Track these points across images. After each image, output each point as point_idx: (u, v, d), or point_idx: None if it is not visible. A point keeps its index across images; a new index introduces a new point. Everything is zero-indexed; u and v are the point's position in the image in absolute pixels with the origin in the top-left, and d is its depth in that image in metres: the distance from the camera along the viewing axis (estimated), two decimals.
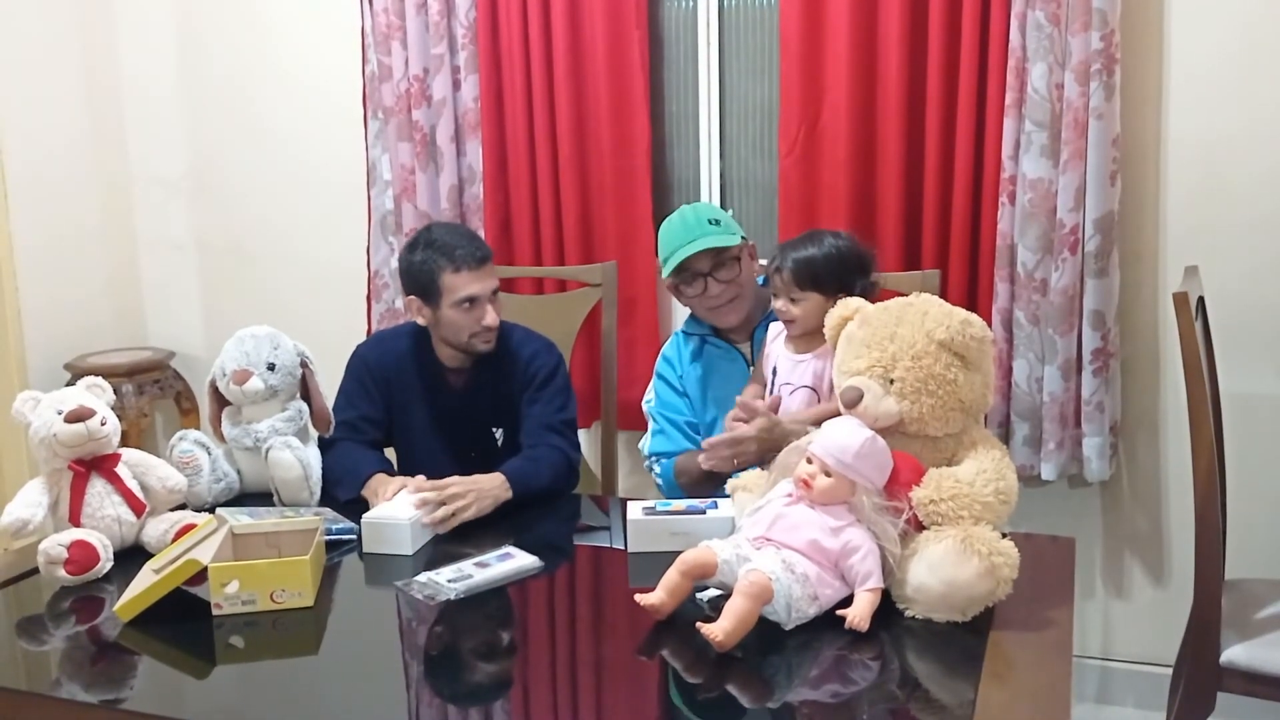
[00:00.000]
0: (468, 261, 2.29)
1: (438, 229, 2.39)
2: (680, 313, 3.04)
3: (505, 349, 2.40)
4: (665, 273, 2.34)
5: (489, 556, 1.89)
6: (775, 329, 2.25)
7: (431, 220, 3.02)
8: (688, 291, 2.34)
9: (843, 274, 2.13)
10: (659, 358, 2.48)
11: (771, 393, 2.20)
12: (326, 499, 2.26)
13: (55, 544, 1.88)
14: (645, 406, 2.48)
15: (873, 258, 2.22)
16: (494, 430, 2.41)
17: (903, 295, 1.86)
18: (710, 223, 2.31)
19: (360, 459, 2.32)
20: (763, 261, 2.34)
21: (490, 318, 2.31)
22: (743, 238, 2.34)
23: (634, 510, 1.98)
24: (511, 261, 3.05)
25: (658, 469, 2.40)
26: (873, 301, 1.91)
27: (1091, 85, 2.48)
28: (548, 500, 2.26)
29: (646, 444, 2.44)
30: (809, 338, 2.15)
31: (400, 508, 2.03)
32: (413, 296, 2.36)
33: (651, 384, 2.48)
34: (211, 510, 2.16)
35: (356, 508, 2.11)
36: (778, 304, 2.18)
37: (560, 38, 2.94)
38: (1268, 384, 2.59)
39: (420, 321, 2.38)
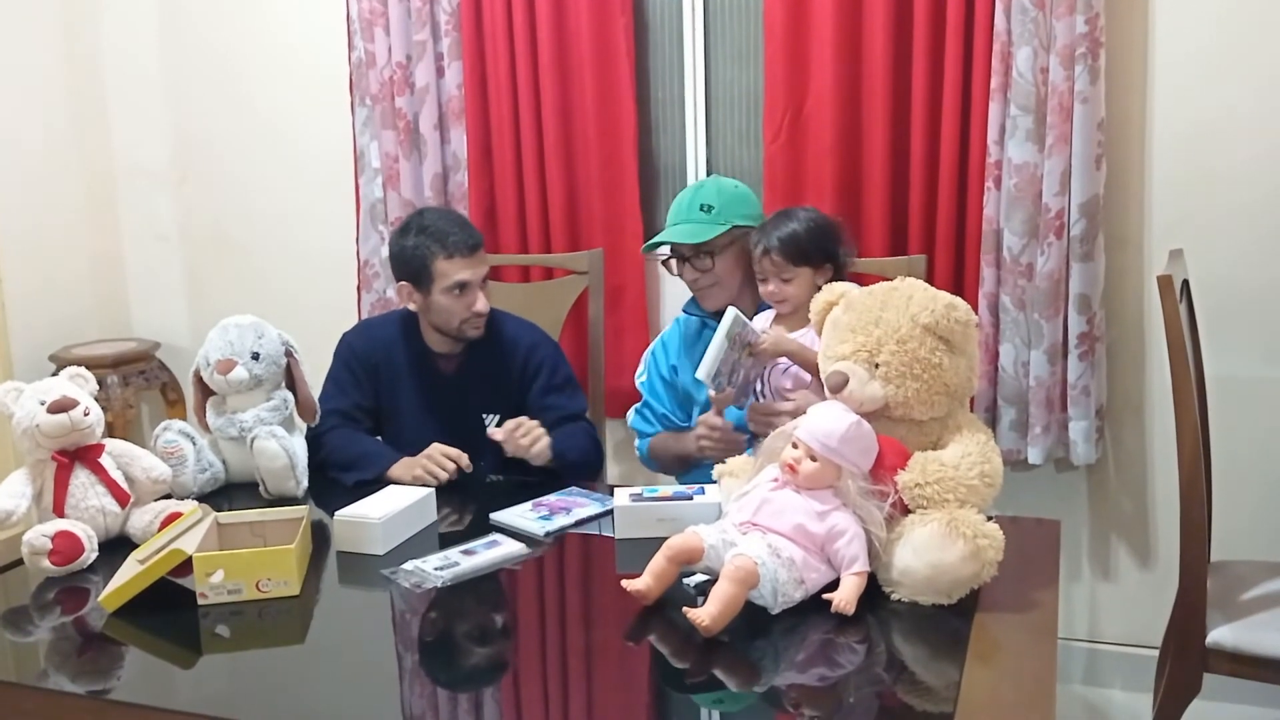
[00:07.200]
0: (460, 248, 2.31)
1: (430, 214, 2.40)
2: (668, 300, 3.05)
3: (496, 335, 2.42)
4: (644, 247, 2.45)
5: (476, 544, 1.89)
6: (763, 318, 2.26)
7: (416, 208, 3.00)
8: (674, 266, 2.40)
9: (825, 243, 2.21)
10: (657, 339, 2.53)
11: (766, 374, 2.20)
12: (325, 483, 2.26)
13: (39, 535, 1.87)
14: (637, 380, 2.54)
15: (841, 226, 2.29)
16: (485, 416, 2.41)
17: (888, 280, 1.86)
18: (702, 209, 2.32)
19: (373, 442, 2.37)
20: None
21: (481, 304, 2.34)
22: (732, 226, 2.32)
23: (621, 496, 1.98)
24: (497, 249, 3.03)
25: (636, 442, 2.50)
26: (845, 274, 1.97)
27: (1076, 69, 2.48)
28: (577, 479, 2.28)
29: (631, 415, 2.53)
30: (795, 315, 2.19)
31: (375, 506, 1.97)
32: (404, 282, 2.36)
33: (645, 359, 2.53)
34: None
35: (349, 496, 2.07)
36: (768, 288, 2.19)
37: (545, 24, 2.92)
38: (1252, 367, 2.60)
39: (411, 307, 2.39)
